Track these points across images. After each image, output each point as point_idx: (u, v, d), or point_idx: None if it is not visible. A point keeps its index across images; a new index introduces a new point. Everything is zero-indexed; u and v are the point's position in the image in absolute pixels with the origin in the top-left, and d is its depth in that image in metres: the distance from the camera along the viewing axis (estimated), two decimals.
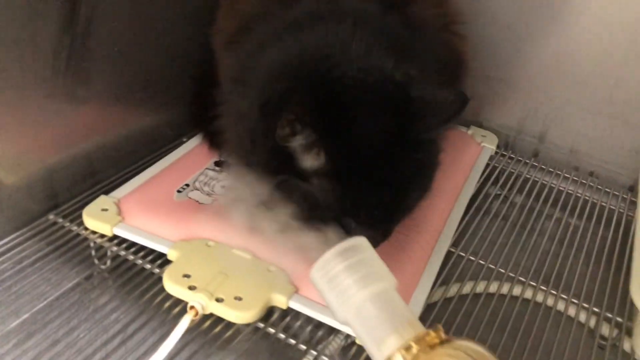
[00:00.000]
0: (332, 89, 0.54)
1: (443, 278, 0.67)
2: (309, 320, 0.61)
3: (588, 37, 0.84)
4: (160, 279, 0.63)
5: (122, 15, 0.73)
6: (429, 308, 0.63)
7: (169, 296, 0.61)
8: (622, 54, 0.83)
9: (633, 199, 0.85)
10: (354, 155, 0.53)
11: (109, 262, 0.67)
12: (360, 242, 0.49)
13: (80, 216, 0.70)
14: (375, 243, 0.54)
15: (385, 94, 0.55)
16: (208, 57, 0.77)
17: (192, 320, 0.57)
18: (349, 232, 0.56)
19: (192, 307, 0.57)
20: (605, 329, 0.65)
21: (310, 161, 0.54)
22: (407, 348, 0.43)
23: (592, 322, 0.66)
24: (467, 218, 0.77)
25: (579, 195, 0.86)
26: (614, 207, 0.84)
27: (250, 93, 0.60)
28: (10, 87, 0.63)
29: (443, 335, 0.44)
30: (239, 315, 0.58)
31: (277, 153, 0.55)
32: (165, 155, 0.81)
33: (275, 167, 0.57)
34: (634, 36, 0.81)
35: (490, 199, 0.83)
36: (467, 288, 0.67)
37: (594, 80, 0.86)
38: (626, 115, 0.86)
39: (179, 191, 0.74)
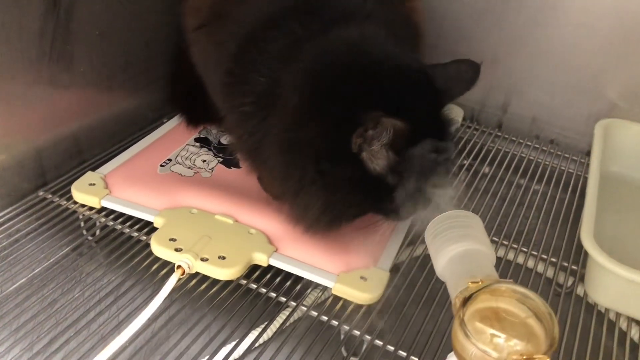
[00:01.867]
0: (390, 87, 0.57)
1: (410, 239, 0.72)
2: (288, 276, 0.65)
3: (544, 10, 0.89)
4: (147, 245, 0.67)
5: None
6: (396, 267, 0.68)
7: (156, 260, 0.65)
8: (575, 24, 0.88)
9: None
10: (417, 142, 0.56)
11: (98, 232, 0.71)
12: (466, 213, 0.56)
13: (68, 192, 0.74)
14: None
15: (418, 82, 0.59)
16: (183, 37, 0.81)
17: (179, 279, 0.61)
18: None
19: (179, 267, 0.62)
20: (561, 278, 0.70)
21: (382, 161, 0.57)
22: (475, 281, 0.47)
23: (550, 272, 0.71)
24: None
25: (540, 161, 0.91)
26: (572, 171, 0.90)
27: (293, 103, 0.59)
28: None
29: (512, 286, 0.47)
30: (223, 272, 0.62)
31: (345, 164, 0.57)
32: (147, 135, 0.85)
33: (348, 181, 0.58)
34: (586, 5, 0.86)
35: (457, 169, 0.87)
36: None
37: (551, 52, 0.91)
38: (582, 83, 0.91)
39: (162, 165, 0.78)
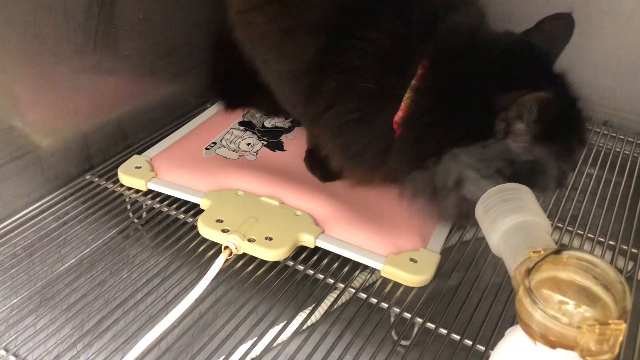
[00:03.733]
0: (514, 65, 0.57)
1: None
2: (335, 257, 0.64)
3: None
4: (194, 227, 0.67)
5: None
6: (447, 250, 0.66)
7: (203, 241, 0.65)
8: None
9: None
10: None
11: (144, 214, 0.71)
12: (518, 186, 0.54)
13: (114, 176, 0.74)
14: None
15: (518, 46, 0.59)
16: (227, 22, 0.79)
17: (227, 260, 0.61)
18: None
19: (226, 247, 0.61)
20: (620, 262, 0.67)
21: (525, 138, 0.56)
22: (536, 251, 0.45)
23: (608, 256, 0.68)
24: None
25: (593, 143, 0.88)
26: (627, 153, 0.86)
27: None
28: (45, 51, 0.67)
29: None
30: (270, 253, 0.61)
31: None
32: (192, 119, 0.85)
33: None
34: None
35: None
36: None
37: (601, 29, 0.88)
38: (635, 61, 0.87)
39: (207, 148, 0.77)
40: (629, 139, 0.89)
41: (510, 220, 0.50)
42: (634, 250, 0.67)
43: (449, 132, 0.57)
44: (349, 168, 0.67)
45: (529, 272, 0.42)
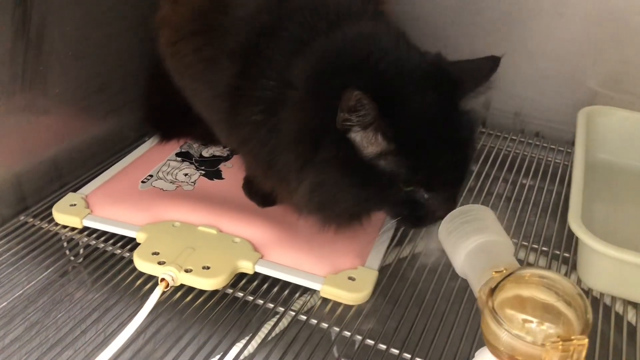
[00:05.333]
0: (382, 77, 0.57)
1: (398, 239, 0.71)
2: (275, 282, 0.64)
3: (518, 2, 0.89)
4: (131, 261, 0.66)
5: (72, 19, 0.76)
6: (385, 268, 0.67)
7: (140, 274, 0.64)
8: (550, 14, 0.88)
9: None
10: (413, 130, 0.56)
11: (81, 251, 0.70)
12: (478, 207, 0.56)
13: (50, 215, 0.73)
14: (448, 209, 0.58)
15: (424, 73, 0.59)
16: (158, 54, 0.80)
17: (164, 292, 0.60)
18: (422, 205, 0.59)
19: (162, 280, 0.61)
20: (553, 267, 0.69)
21: (372, 147, 0.56)
22: (499, 271, 0.46)
23: (542, 262, 0.70)
24: None
25: (526, 154, 0.91)
26: (559, 161, 0.89)
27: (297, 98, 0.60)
28: None
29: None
30: (208, 282, 0.61)
31: (342, 146, 0.56)
32: (129, 154, 0.85)
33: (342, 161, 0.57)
34: None
35: None
36: (419, 247, 0.71)
37: (528, 44, 0.91)
38: (562, 73, 0.91)
39: (143, 182, 0.77)
40: (560, 148, 0.92)
41: (472, 241, 0.52)
42: (566, 255, 0.69)
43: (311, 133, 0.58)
44: (277, 188, 0.67)
45: (492, 292, 0.43)
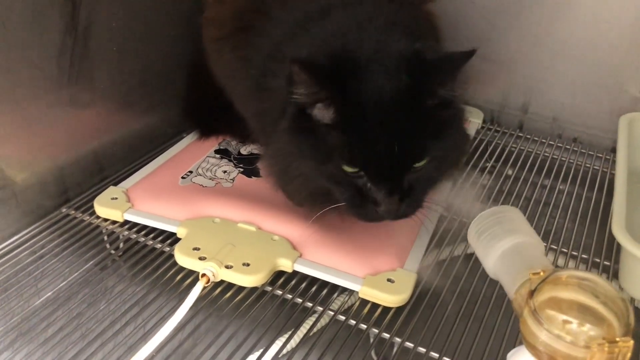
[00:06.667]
0: (345, 56, 0.58)
1: (436, 241, 0.71)
2: (313, 281, 0.64)
3: (559, 7, 0.88)
4: (171, 256, 0.67)
5: (118, 15, 0.77)
6: (424, 269, 0.66)
7: (181, 269, 0.65)
8: (592, 19, 0.87)
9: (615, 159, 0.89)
10: (361, 109, 0.56)
11: (121, 245, 0.71)
12: (508, 207, 0.57)
13: (91, 208, 0.74)
14: (391, 207, 0.57)
15: (398, 60, 0.58)
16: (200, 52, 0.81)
17: (204, 287, 0.61)
18: (365, 194, 0.59)
19: (203, 275, 0.61)
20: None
21: (321, 114, 0.57)
22: (536, 272, 0.46)
23: (582, 269, 0.69)
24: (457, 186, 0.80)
25: (564, 160, 0.90)
26: (597, 168, 0.88)
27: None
28: (20, 86, 0.68)
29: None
30: (248, 279, 0.62)
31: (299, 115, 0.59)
32: (168, 149, 0.86)
33: (299, 128, 0.60)
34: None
35: (477, 170, 0.86)
36: (458, 249, 0.70)
37: (569, 49, 0.90)
38: (602, 79, 0.90)
39: (183, 177, 0.78)
40: (598, 154, 0.91)
41: (505, 243, 0.51)
42: (607, 263, 0.69)
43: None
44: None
45: (532, 293, 0.43)
